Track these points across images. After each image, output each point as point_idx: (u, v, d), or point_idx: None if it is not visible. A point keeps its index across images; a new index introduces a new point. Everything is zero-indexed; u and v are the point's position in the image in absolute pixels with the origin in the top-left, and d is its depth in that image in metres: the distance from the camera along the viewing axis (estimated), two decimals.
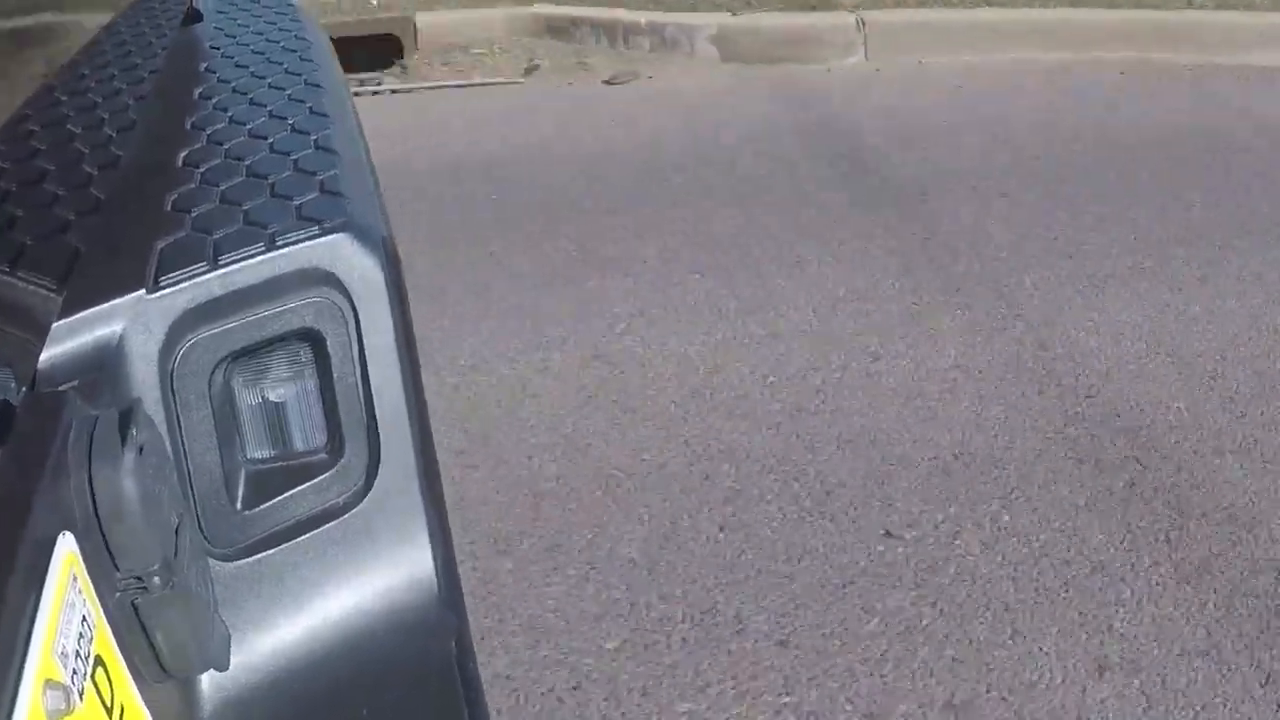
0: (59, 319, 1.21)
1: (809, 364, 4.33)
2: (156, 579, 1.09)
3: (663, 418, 4.02)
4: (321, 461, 1.34)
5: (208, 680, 1.25)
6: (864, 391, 4.16)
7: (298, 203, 1.39)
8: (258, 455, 1.34)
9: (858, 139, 6.69)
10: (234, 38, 2.16)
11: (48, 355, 1.19)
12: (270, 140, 1.60)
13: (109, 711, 1.00)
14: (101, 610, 1.03)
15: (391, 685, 1.33)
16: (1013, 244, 5.23)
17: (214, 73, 1.94)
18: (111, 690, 1.02)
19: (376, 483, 1.33)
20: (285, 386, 1.34)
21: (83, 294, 1.24)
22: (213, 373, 1.28)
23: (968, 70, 7.95)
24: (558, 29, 8.96)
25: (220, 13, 2.34)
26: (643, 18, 8.79)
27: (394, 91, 8.16)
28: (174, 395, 1.26)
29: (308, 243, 1.32)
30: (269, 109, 1.73)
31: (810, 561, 3.33)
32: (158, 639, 1.12)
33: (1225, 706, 2.81)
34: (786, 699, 2.87)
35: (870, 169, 6.21)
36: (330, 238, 1.32)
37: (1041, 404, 4.04)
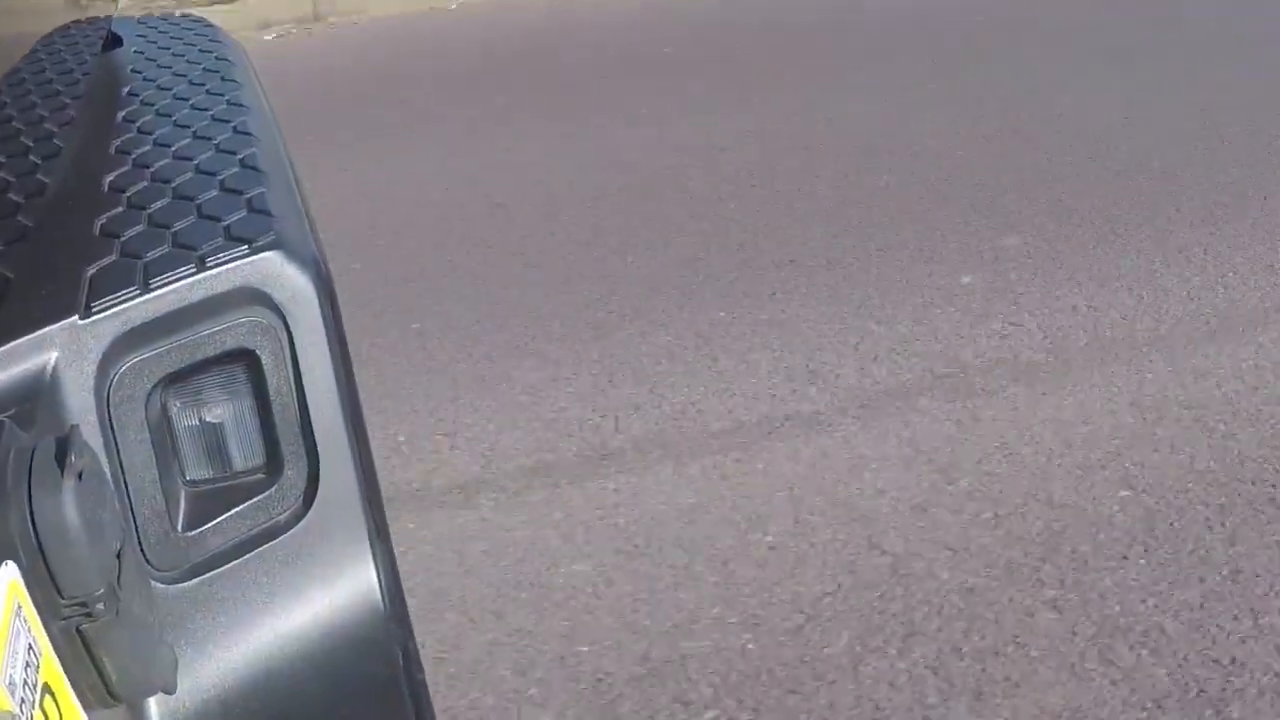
0: None
1: None
2: (101, 605, 1.09)
3: None
4: (261, 480, 1.34)
5: (156, 704, 1.25)
6: None
7: (226, 223, 1.39)
8: (197, 477, 1.34)
9: None
10: (155, 61, 2.16)
11: None
12: (196, 161, 1.60)
13: None
14: (47, 638, 1.03)
15: (340, 701, 1.33)
16: None
17: (136, 96, 1.94)
18: (60, 717, 1.02)
19: (317, 499, 1.33)
20: (222, 407, 1.34)
21: (15, 322, 1.23)
22: (149, 396, 1.28)
23: None
24: None
25: (140, 37, 2.33)
26: None
27: None
28: (111, 420, 1.26)
29: (238, 262, 1.32)
30: (193, 130, 1.73)
31: None
32: (105, 664, 1.11)
33: None
34: None
35: None
36: (260, 256, 1.32)
37: None
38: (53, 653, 1.04)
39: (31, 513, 1.04)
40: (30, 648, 0.99)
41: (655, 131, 6.64)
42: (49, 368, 1.23)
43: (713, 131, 6.55)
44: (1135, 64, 7.13)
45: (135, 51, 2.23)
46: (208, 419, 1.33)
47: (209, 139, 1.68)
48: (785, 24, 8.58)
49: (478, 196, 5.92)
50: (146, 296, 1.28)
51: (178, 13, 2.59)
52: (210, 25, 2.43)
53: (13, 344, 1.22)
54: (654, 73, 7.75)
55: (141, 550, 1.27)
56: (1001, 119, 6.41)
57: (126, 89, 1.99)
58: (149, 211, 1.45)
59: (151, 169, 1.59)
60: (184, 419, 1.32)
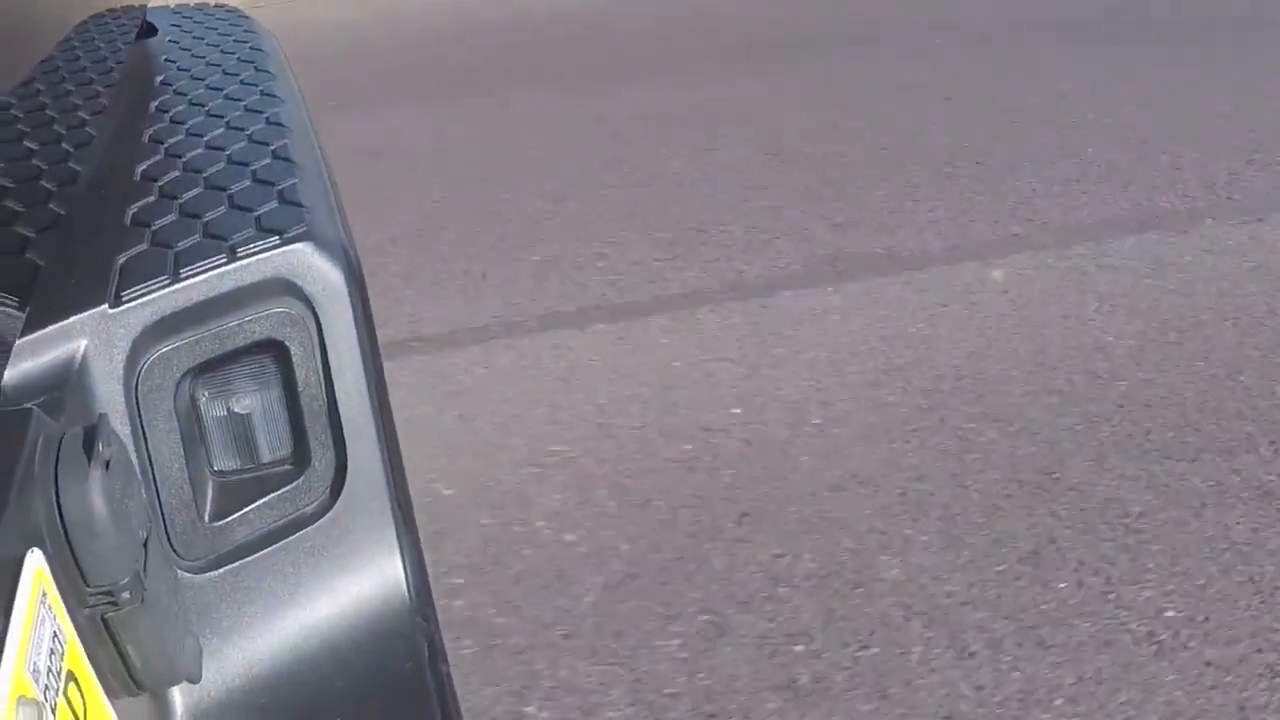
0: (21, 336, 1.20)
1: None
2: (126, 593, 1.09)
3: None
4: (288, 471, 1.34)
5: (180, 693, 1.25)
6: None
7: (257, 214, 1.39)
8: (224, 467, 1.34)
9: None
10: (189, 50, 2.16)
11: (11, 372, 1.19)
12: (228, 152, 1.60)
13: None
14: (72, 625, 1.03)
15: (364, 692, 1.33)
16: None
17: (170, 85, 1.94)
18: (84, 705, 1.02)
19: (344, 491, 1.33)
20: (250, 397, 1.34)
21: (45, 311, 1.23)
22: (177, 385, 1.28)
23: None
24: None
25: (174, 26, 2.34)
26: None
27: None
28: (139, 409, 1.26)
29: (268, 253, 1.32)
30: (226, 121, 1.73)
31: None
32: (129, 653, 1.11)
33: None
34: None
35: None
36: (291, 248, 1.32)
37: None
38: (78, 640, 1.04)
39: (58, 500, 1.04)
40: (55, 635, 0.99)
41: None
42: (78, 356, 1.23)
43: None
44: None
45: (169, 41, 2.24)
46: (236, 409, 1.33)
47: (241, 129, 1.69)
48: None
49: None
50: (176, 286, 1.28)
51: (192, 1, 2.59)
52: (245, 16, 2.43)
53: (42, 332, 1.22)
54: None
55: (168, 539, 1.27)
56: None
57: (160, 78, 1.99)
58: (180, 201, 1.45)
59: (184, 159, 1.59)
60: (212, 409, 1.32)
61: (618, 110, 6.97)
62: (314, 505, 1.33)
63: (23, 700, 0.89)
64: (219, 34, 2.27)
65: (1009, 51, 7.62)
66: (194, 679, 1.23)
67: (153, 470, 1.27)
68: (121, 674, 1.12)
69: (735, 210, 5.50)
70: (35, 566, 0.98)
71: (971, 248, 5.01)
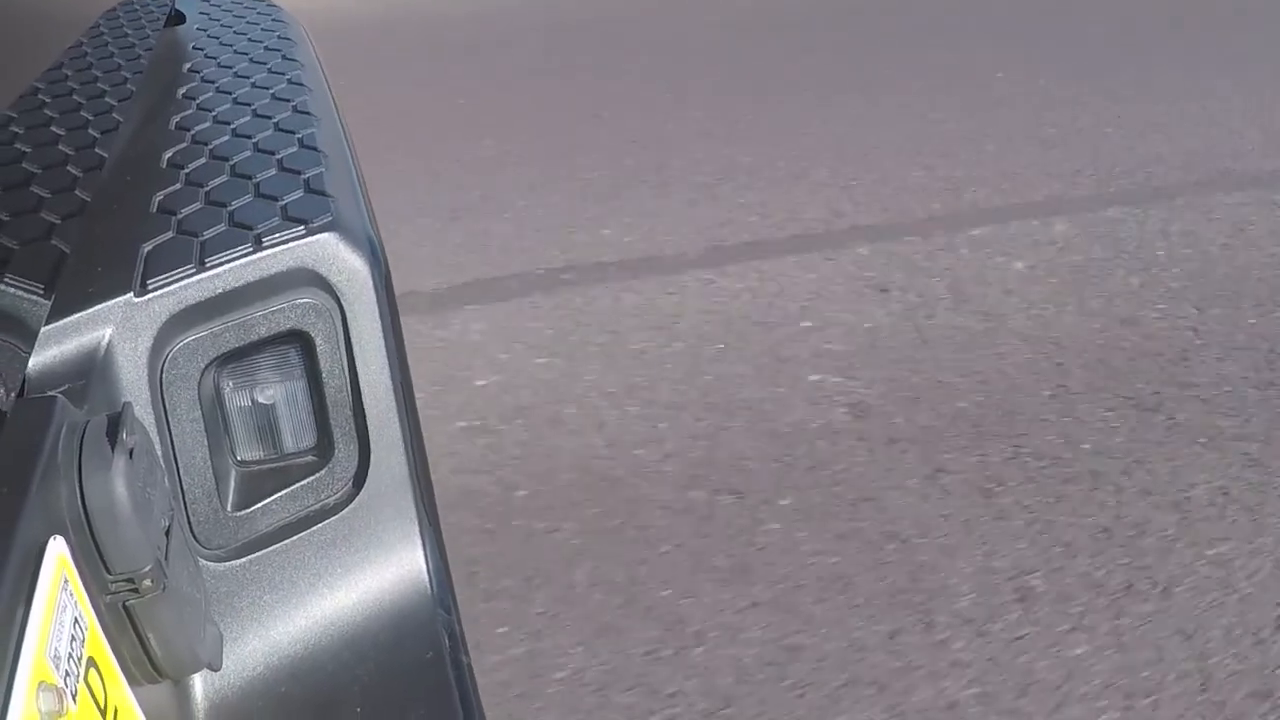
0: (46, 324, 1.20)
1: None
2: (148, 581, 1.09)
3: None
4: (312, 462, 1.34)
5: (201, 680, 1.25)
6: None
7: (284, 203, 1.39)
8: (248, 457, 1.34)
9: None
10: (217, 38, 2.16)
11: (36, 360, 1.19)
12: (255, 140, 1.60)
13: (102, 713, 1.00)
14: (93, 612, 1.03)
15: (384, 682, 1.33)
16: None
17: (197, 73, 1.94)
18: (105, 691, 1.02)
19: (367, 482, 1.33)
20: (274, 387, 1.34)
21: (70, 299, 1.23)
22: (201, 375, 1.28)
23: None
24: None
25: (202, 14, 2.34)
26: None
27: None
28: (163, 398, 1.26)
29: (294, 243, 1.31)
30: (253, 109, 1.73)
31: None
32: (150, 640, 1.11)
33: None
34: None
35: None
36: (317, 238, 1.32)
37: None
38: (99, 627, 1.04)
39: (81, 488, 1.04)
40: (77, 621, 0.99)
41: None
42: (103, 345, 1.23)
43: None
44: None
45: (198, 28, 2.24)
46: (260, 399, 1.33)
47: (268, 118, 1.68)
48: None
49: None
50: (202, 275, 1.28)
51: None
52: (273, 5, 2.43)
53: (67, 320, 1.22)
54: None
55: (190, 528, 1.27)
56: None
57: (187, 65, 1.99)
58: (206, 189, 1.45)
59: (210, 146, 1.59)
60: (236, 399, 1.32)
61: None
62: (337, 496, 1.33)
63: (43, 686, 0.89)
64: (247, 21, 2.27)
65: None
66: (215, 667, 1.23)
67: (176, 459, 1.27)
68: (142, 661, 1.12)
69: None
70: (57, 553, 0.98)
71: None
